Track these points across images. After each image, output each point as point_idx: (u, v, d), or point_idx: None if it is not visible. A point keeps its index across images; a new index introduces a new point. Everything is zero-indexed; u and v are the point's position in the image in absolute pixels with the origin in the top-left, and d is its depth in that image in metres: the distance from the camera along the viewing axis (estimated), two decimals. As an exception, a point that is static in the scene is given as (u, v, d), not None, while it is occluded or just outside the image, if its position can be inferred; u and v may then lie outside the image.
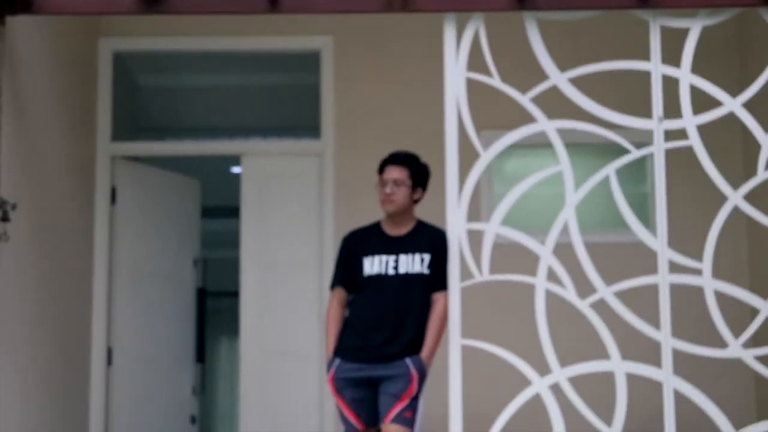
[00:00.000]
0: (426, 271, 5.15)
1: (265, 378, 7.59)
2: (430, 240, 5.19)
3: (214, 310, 14.15)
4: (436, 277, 5.13)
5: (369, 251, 5.25)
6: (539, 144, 5.24)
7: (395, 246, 5.23)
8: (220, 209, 9.94)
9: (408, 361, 5.09)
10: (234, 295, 7.96)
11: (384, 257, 5.22)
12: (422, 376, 5.09)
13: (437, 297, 5.14)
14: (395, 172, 5.25)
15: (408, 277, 5.16)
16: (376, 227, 5.38)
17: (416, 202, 5.32)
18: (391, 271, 5.19)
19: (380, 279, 5.19)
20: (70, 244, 6.99)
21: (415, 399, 5.06)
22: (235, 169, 8.37)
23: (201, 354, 8.52)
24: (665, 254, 4.76)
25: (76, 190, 7.19)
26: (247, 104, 9.68)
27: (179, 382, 8.22)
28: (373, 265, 5.23)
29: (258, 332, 7.65)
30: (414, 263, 5.18)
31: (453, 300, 4.82)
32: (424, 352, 5.11)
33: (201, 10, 5.06)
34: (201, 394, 8.68)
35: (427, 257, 5.17)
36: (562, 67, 4.88)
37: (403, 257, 5.20)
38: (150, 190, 8.06)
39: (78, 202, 7.26)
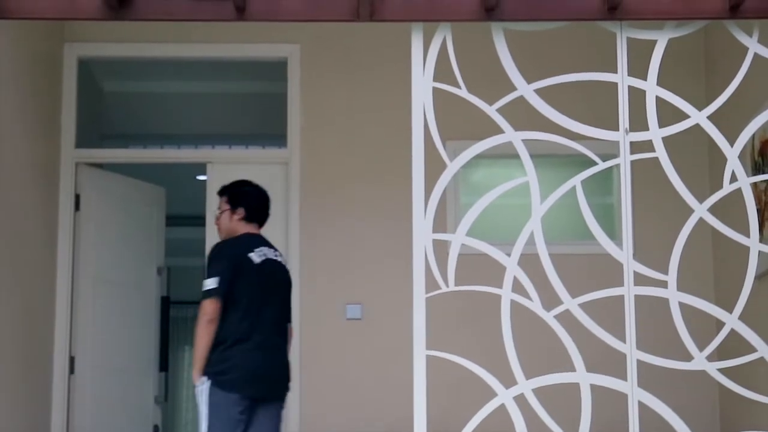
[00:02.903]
0: None
1: (229, 387, 7.52)
2: None
3: (178, 318, 14.12)
4: None
5: None
6: (506, 155, 5.22)
7: None
8: (185, 217, 9.89)
9: None
10: (198, 303, 7.91)
11: None
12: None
13: None
14: (217, 203, 6.08)
15: None
16: None
17: (244, 220, 5.96)
18: None
19: None
20: (32, 250, 6.93)
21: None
22: (201, 177, 8.33)
23: (164, 363, 8.46)
24: (631, 266, 4.75)
25: (39, 196, 7.13)
26: (213, 112, 9.64)
27: (142, 391, 8.16)
28: None
29: (222, 341, 7.59)
30: None
31: (418, 310, 4.79)
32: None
33: (167, 16, 5.00)
34: (164, 403, 8.62)
35: None
36: (532, 78, 4.86)
37: None
38: (114, 198, 8.01)
39: (41, 209, 7.20)
